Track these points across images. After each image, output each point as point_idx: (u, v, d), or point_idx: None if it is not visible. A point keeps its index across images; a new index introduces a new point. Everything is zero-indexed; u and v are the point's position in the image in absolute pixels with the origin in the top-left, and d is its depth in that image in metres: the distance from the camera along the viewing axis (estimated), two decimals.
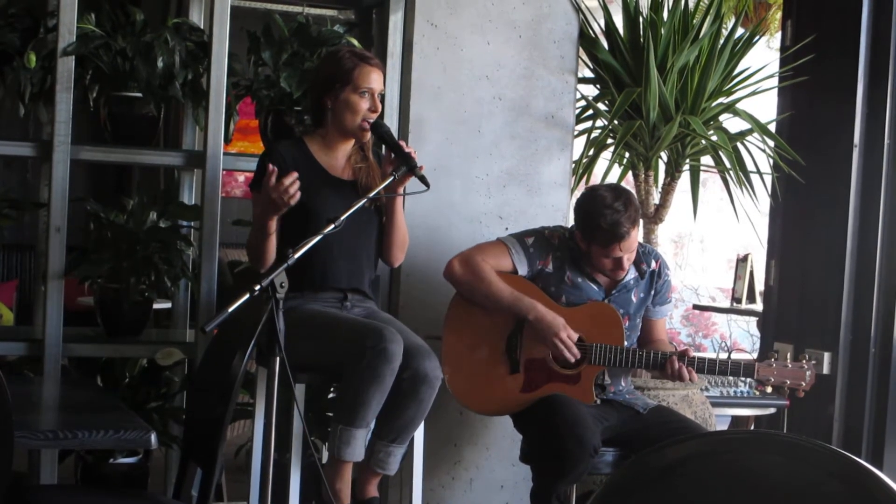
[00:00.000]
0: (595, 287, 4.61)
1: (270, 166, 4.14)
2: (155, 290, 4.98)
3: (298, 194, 4.12)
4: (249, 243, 4.35)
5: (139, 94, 4.86)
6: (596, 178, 5.32)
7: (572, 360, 4.46)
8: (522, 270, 4.59)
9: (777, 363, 4.45)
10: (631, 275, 4.65)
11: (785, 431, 5.67)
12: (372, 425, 4.19)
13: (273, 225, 4.22)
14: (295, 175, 4.12)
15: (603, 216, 4.41)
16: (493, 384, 4.57)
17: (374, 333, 4.08)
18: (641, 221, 5.28)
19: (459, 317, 4.61)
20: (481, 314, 4.57)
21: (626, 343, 4.51)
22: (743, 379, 5.76)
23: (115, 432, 3.27)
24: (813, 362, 4.48)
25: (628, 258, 4.53)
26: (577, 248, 4.61)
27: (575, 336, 4.47)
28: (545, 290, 4.58)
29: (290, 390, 3.81)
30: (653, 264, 4.71)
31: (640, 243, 4.71)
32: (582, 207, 4.55)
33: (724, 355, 4.49)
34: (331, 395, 5.00)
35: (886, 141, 5.55)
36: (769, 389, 4.50)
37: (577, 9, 5.30)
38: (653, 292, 4.71)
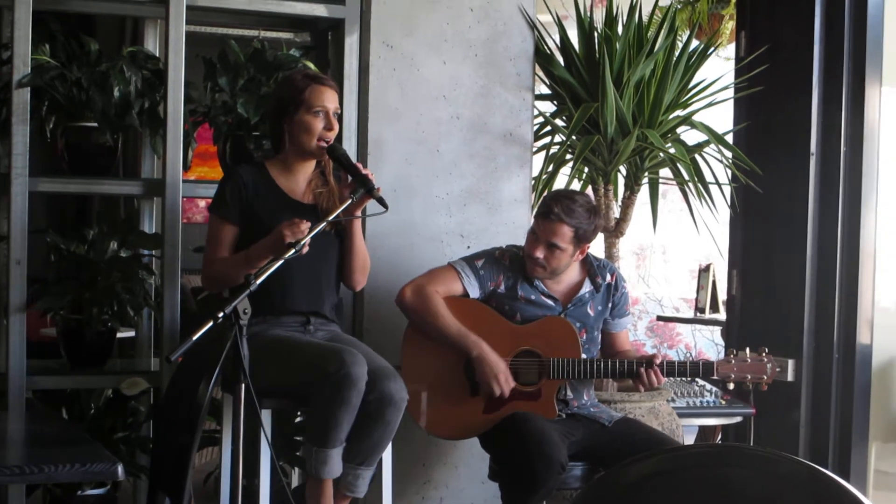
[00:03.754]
0: (551, 302, 4.62)
1: (305, 223, 4.07)
2: (118, 319, 4.95)
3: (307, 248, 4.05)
4: (219, 268, 4.32)
5: (96, 124, 4.85)
6: None
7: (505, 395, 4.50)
8: (474, 293, 4.60)
9: (736, 359, 4.49)
10: (586, 288, 4.67)
11: (752, 440, 5.70)
12: (345, 442, 4.17)
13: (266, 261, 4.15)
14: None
15: (556, 194, 4.62)
16: (454, 408, 4.57)
17: (336, 358, 4.07)
18: (602, 235, 5.31)
19: (416, 343, 4.62)
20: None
21: (583, 356, 4.52)
22: (709, 389, 5.78)
23: (81, 465, 3.24)
24: (774, 360, 4.51)
25: (543, 253, 4.53)
26: None
27: (512, 384, 4.50)
28: (499, 310, 4.60)
29: (256, 416, 3.80)
30: (608, 277, 4.73)
31: (595, 257, 4.74)
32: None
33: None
34: (298, 420, 4.99)
35: (843, 148, 5.59)
36: (731, 386, 4.52)
37: (532, 26, 5.32)
38: (610, 305, 4.73)
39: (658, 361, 4.46)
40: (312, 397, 4.13)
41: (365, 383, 4.09)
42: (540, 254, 4.53)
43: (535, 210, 4.64)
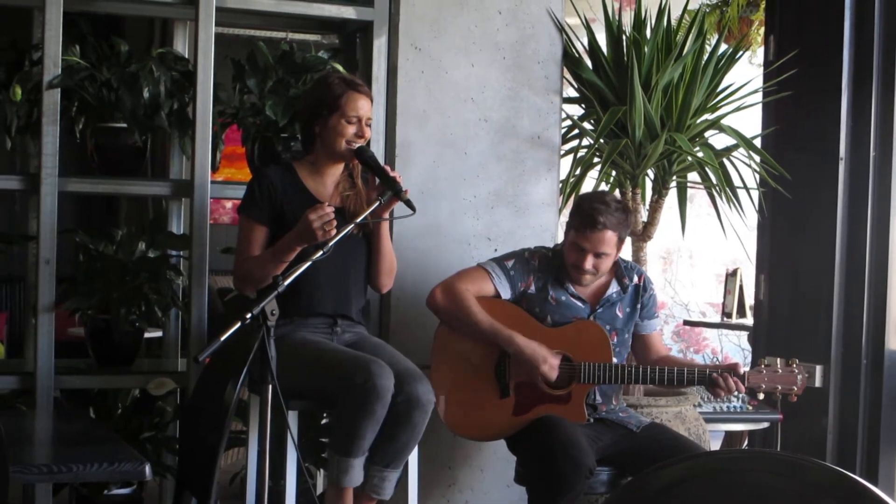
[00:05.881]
0: (580, 304, 4.62)
1: (330, 207, 4.13)
2: (145, 319, 4.97)
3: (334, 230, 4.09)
4: (250, 267, 4.32)
5: (125, 125, 4.87)
6: None
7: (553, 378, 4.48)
8: (505, 294, 4.59)
9: (767, 370, 4.46)
10: (613, 289, 4.66)
11: (779, 446, 5.67)
12: (368, 451, 4.18)
13: (296, 253, 4.20)
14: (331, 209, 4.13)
15: (590, 201, 4.54)
16: (484, 410, 4.57)
17: (363, 370, 4.07)
18: (630, 239, 5.29)
19: (446, 345, 4.61)
20: (467, 340, 4.57)
21: (614, 360, 4.51)
22: (736, 394, 5.76)
23: (109, 464, 3.26)
24: (805, 372, 4.48)
25: (592, 262, 4.53)
26: (559, 265, 4.63)
27: (556, 363, 4.48)
28: (530, 311, 4.59)
29: (283, 417, 3.81)
30: (636, 279, 4.72)
31: (622, 259, 4.73)
32: (582, 195, 4.71)
33: None
34: (324, 421, 5.00)
35: (872, 153, 5.56)
36: (761, 397, 4.50)
37: (561, 29, 5.31)
38: (639, 306, 4.72)
39: (741, 371, 4.47)
40: (338, 405, 4.14)
41: (391, 395, 4.09)
42: (589, 265, 4.53)
43: (577, 222, 4.56)
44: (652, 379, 4.50)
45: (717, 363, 4.54)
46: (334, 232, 4.04)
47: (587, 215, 4.50)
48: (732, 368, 4.47)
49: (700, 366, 4.55)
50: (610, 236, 4.51)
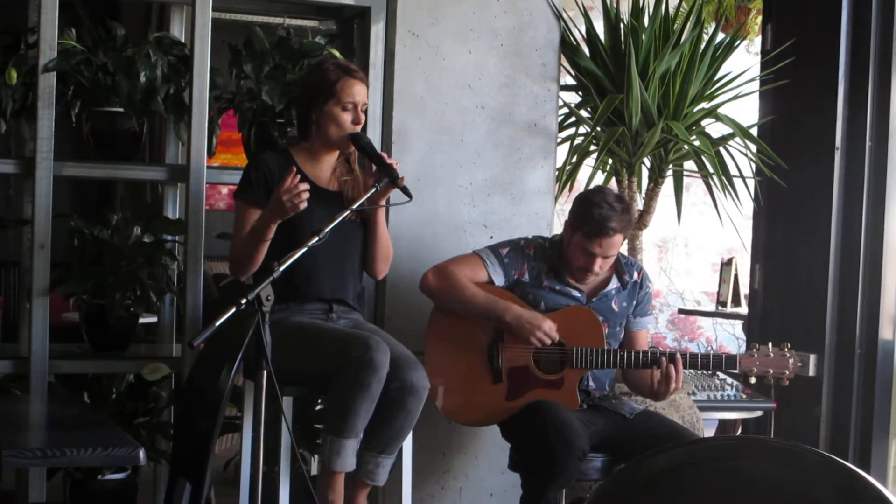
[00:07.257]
0: (576, 293, 4.62)
1: (294, 170, 4.16)
2: (140, 304, 4.96)
3: (306, 201, 4.12)
4: (238, 250, 4.33)
5: (121, 110, 4.86)
6: (580, 184, 5.31)
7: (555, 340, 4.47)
8: (498, 281, 4.59)
9: (759, 353, 4.47)
10: (613, 285, 4.66)
11: (773, 434, 5.68)
12: (361, 435, 4.18)
13: (273, 230, 4.21)
14: (306, 185, 4.14)
15: (599, 207, 4.46)
16: (477, 395, 4.57)
17: (360, 343, 4.09)
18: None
19: (439, 330, 4.62)
20: (460, 326, 4.57)
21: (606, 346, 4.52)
22: (730, 382, 5.77)
23: (103, 449, 3.26)
24: (796, 356, 4.49)
25: (600, 264, 4.53)
26: (556, 256, 4.62)
27: (555, 326, 4.48)
28: (523, 298, 4.58)
29: (277, 403, 3.81)
30: (635, 275, 4.73)
31: (622, 255, 4.74)
32: (583, 196, 4.59)
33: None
34: (318, 407, 5.00)
35: (868, 143, 5.57)
36: (752, 381, 4.50)
37: (559, 16, 5.31)
38: (634, 303, 4.72)
39: (679, 357, 4.45)
40: (333, 383, 4.14)
41: (386, 373, 4.10)
42: (598, 267, 4.53)
43: (586, 228, 4.48)
44: (645, 363, 4.49)
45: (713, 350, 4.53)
46: (305, 204, 4.09)
47: (598, 223, 4.46)
48: (670, 354, 4.46)
49: (655, 351, 4.55)
50: (618, 239, 4.51)
